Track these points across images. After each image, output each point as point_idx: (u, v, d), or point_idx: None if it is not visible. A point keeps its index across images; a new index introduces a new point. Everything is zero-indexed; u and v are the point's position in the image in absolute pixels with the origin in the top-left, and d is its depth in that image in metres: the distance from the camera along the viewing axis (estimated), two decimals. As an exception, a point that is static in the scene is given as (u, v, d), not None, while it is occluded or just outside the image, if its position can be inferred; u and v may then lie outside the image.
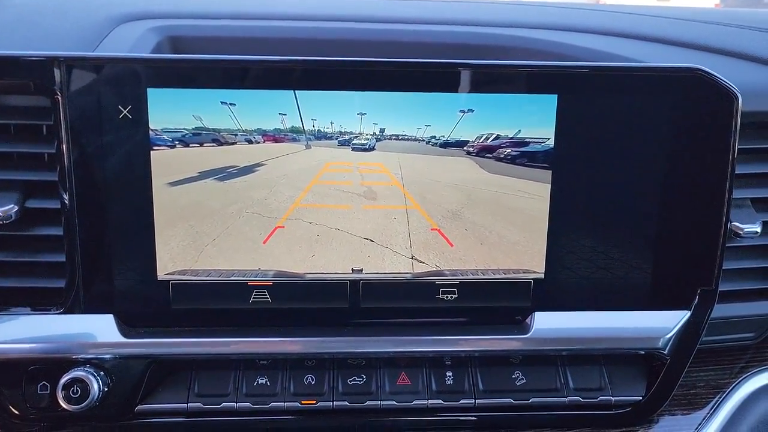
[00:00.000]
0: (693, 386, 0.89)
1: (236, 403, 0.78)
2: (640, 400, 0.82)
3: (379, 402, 0.79)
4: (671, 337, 0.80)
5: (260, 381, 0.79)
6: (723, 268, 0.80)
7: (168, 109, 0.72)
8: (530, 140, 0.75)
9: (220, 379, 0.79)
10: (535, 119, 0.74)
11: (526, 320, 0.79)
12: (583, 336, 0.79)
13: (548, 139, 0.75)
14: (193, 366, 0.80)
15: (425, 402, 0.80)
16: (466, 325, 0.79)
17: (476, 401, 0.80)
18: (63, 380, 0.73)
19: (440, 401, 0.80)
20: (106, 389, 0.75)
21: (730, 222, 0.82)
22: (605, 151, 0.75)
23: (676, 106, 0.75)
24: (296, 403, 0.79)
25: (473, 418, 0.81)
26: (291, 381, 0.80)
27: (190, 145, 0.73)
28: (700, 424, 0.83)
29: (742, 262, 0.88)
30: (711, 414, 0.85)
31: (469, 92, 0.72)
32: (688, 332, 0.81)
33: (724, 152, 0.77)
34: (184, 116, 0.72)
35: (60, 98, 0.70)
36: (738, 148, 0.77)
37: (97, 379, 0.74)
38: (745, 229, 0.83)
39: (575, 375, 0.82)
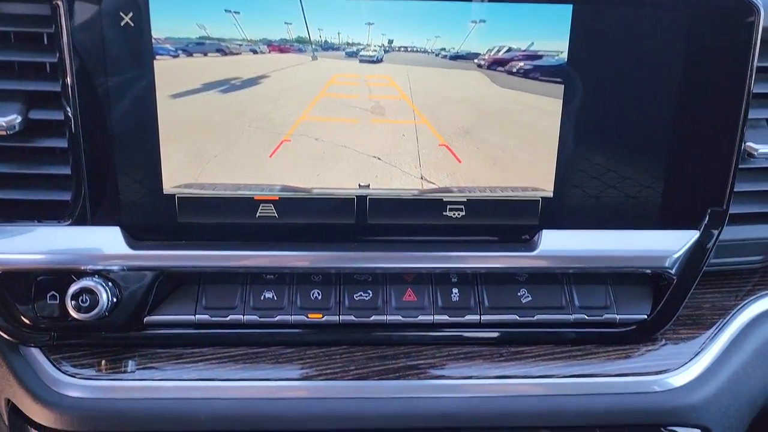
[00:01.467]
0: (698, 307, 0.89)
1: (243, 315, 0.79)
2: (645, 318, 0.82)
3: (385, 317, 0.80)
4: (679, 257, 0.80)
5: (267, 295, 0.80)
6: (734, 190, 0.79)
7: (171, 17, 0.70)
8: (543, 53, 0.73)
9: (228, 293, 0.80)
10: (548, 31, 0.72)
11: (534, 238, 0.78)
12: (590, 254, 0.79)
13: (561, 52, 0.72)
14: (200, 280, 0.80)
15: (431, 317, 0.81)
16: (473, 243, 0.79)
17: (481, 317, 0.81)
18: (72, 290, 0.74)
19: (446, 317, 0.81)
20: (114, 300, 0.76)
21: (745, 142, 0.80)
22: (619, 66, 0.73)
23: (695, 18, 0.72)
24: (303, 317, 0.79)
25: (478, 334, 0.82)
26: (297, 295, 0.80)
27: (194, 55, 0.71)
28: (704, 344, 0.84)
29: (755, 184, 0.86)
30: (715, 335, 0.85)
31: (481, 1, 0.70)
32: (696, 253, 0.80)
33: (742, 69, 0.74)
34: (188, 25, 0.70)
35: (60, 5, 0.68)
36: (757, 66, 0.74)
37: (105, 289, 0.75)
38: (760, 150, 0.81)
39: (581, 294, 0.83)
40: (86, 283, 0.74)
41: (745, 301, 0.90)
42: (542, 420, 0.78)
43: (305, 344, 0.81)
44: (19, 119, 0.72)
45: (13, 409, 0.79)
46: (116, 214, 0.75)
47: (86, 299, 0.74)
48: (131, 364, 0.79)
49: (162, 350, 0.80)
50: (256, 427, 0.76)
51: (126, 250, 0.75)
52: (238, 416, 0.76)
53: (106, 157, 0.73)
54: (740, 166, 0.80)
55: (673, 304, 0.82)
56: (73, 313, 0.74)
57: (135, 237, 0.76)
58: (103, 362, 0.78)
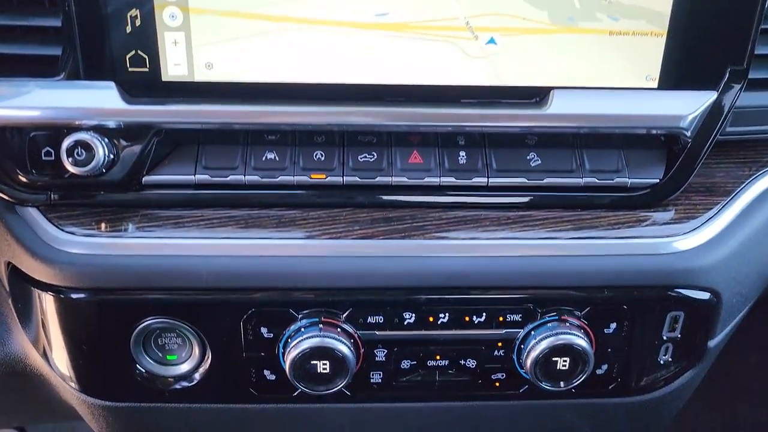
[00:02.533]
0: (712, 176, 0.86)
1: (244, 176, 0.77)
2: (657, 182, 0.80)
3: (390, 178, 0.78)
4: (695, 117, 0.76)
5: (269, 156, 0.78)
6: (756, 53, 0.76)
7: None
8: None
9: (228, 154, 0.78)
10: None
11: (545, 98, 0.75)
12: (603, 113, 0.76)
13: None
14: (199, 139, 0.78)
15: (437, 179, 0.78)
16: (482, 102, 0.76)
17: (489, 180, 0.79)
18: (66, 142, 0.72)
19: (452, 179, 0.78)
20: (111, 157, 0.74)
21: (768, 0, 0.76)
22: None
23: None
24: (306, 177, 0.77)
25: (486, 198, 0.80)
26: (300, 156, 0.78)
27: None
28: (716, 211, 0.82)
29: (777, 48, 0.83)
30: (728, 202, 0.83)
31: None
32: (712, 114, 0.77)
33: None
34: None
35: None
36: None
37: (101, 144, 0.72)
38: (784, 10, 0.77)
39: (592, 157, 0.80)
40: (81, 135, 0.71)
41: (761, 172, 0.87)
42: (550, 279, 0.77)
43: (308, 206, 0.79)
44: None
45: (14, 271, 0.78)
46: (110, 69, 0.72)
47: (82, 153, 0.72)
48: (131, 225, 0.77)
49: (162, 211, 0.78)
50: (258, 283, 0.75)
51: (121, 105, 0.72)
52: (241, 273, 0.75)
53: (97, 10, 0.69)
54: (763, 26, 0.76)
55: (686, 168, 0.80)
56: (69, 167, 0.72)
57: (130, 94, 0.73)
58: (103, 222, 0.77)
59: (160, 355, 0.80)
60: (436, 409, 0.87)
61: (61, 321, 0.77)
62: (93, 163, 0.72)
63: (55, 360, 0.82)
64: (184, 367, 0.80)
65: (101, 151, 0.72)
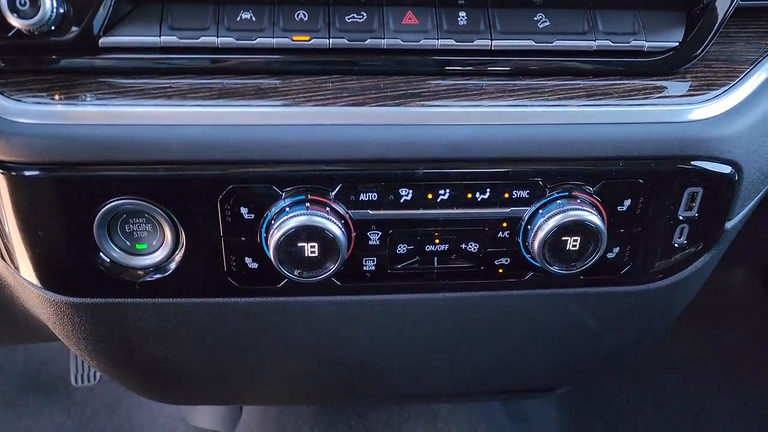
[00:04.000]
0: (733, 44, 0.79)
1: (217, 37, 0.67)
2: (676, 46, 0.73)
3: (382, 40, 0.69)
4: (718, -31, 0.69)
5: (244, 15, 0.68)
6: None
7: None
8: None
9: (197, 12, 0.68)
10: None
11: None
12: (619, -37, 0.68)
13: None
14: (163, -4, 0.68)
15: (435, 41, 0.70)
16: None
17: (492, 42, 0.70)
18: None
19: (452, 41, 0.70)
20: (61, 11, 0.64)
21: None
22: None
23: None
24: (287, 39, 0.68)
25: (488, 63, 0.72)
26: (280, 16, 0.68)
27: None
28: (738, 79, 0.75)
29: None
30: (751, 70, 0.76)
31: None
32: (736, -31, 0.69)
33: None
34: None
35: None
36: None
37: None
38: None
39: (606, 18, 0.72)
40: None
41: (784, 40, 0.80)
42: (559, 150, 0.70)
43: (290, 73, 0.70)
44: None
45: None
46: None
47: (24, 1, 0.62)
48: (88, 94, 0.67)
49: (124, 80, 0.68)
50: (236, 156, 0.67)
51: None
52: (216, 144, 0.66)
53: None
54: None
55: (707, 30, 0.72)
56: (12, 20, 0.62)
57: None
58: (56, 91, 0.67)
59: (128, 243, 0.72)
60: (432, 302, 0.80)
61: (14, 205, 0.68)
62: (39, 15, 0.62)
63: (14, 253, 0.73)
64: (156, 256, 0.72)
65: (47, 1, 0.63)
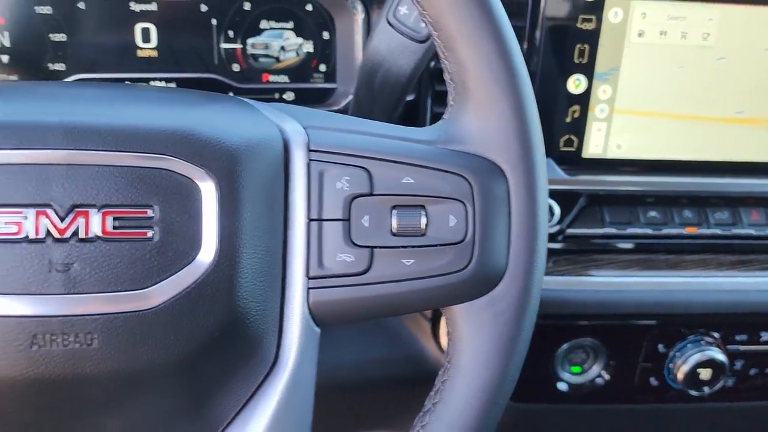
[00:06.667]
0: None
1: (640, 228, 1.02)
2: None
3: (742, 230, 1.04)
4: None
5: (652, 213, 1.03)
6: None
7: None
8: None
9: (624, 212, 1.03)
10: None
11: None
12: None
13: None
14: (601, 202, 1.03)
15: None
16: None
17: None
18: None
19: (784, 231, 1.05)
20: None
21: None
22: None
23: None
24: (681, 230, 1.03)
25: None
26: (674, 214, 1.04)
27: None
28: None
29: None
30: None
31: None
32: None
33: None
34: None
35: None
36: None
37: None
38: None
39: None
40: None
41: None
42: None
43: (684, 252, 1.04)
44: None
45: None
46: (548, 148, 0.97)
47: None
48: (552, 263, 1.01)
49: (580, 256, 1.03)
50: (659, 311, 1.00)
51: (562, 175, 0.97)
52: (646, 303, 0.99)
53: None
54: None
55: None
56: None
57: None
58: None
59: (567, 366, 1.03)
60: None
61: None
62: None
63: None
64: (588, 376, 1.04)
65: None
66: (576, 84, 0.96)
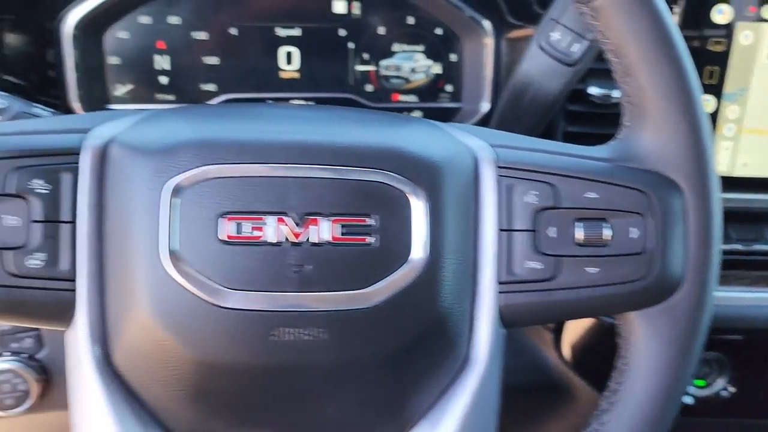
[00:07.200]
0: None
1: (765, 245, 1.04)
2: None
3: None
4: None
5: None
6: None
7: None
8: None
9: (746, 228, 1.05)
10: None
11: None
12: None
13: None
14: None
15: None
16: None
17: None
18: None
19: None
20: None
21: None
22: None
23: None
24: (810, 248, 1.04)
25: None
26: (800, 232, 1.05)
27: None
28: None
29: None
30: None
31: None
32: None
33: None
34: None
35: None
36: None
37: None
38: None
39: None
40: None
41: None
42: None
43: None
44: None
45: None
46: None
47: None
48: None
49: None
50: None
51: None
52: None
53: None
54: None
55: None
56: None
57: None
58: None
59: (690, 381, 1.06)
60: None
61: None
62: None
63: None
64: (713, 389, 1.05)
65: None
66: (705, 104, 0.99)
